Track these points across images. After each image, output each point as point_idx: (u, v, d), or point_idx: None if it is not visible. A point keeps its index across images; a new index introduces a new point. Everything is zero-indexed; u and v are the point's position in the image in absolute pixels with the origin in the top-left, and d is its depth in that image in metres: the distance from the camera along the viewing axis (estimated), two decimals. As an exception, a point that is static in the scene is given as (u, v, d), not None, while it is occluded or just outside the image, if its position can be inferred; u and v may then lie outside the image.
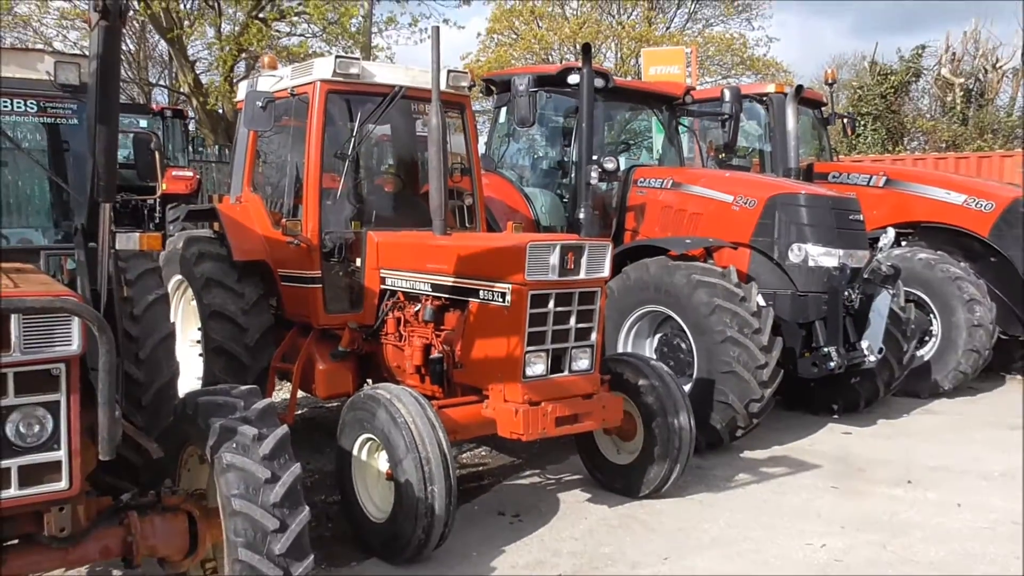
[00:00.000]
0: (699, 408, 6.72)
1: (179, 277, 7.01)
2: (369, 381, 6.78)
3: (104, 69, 3.53)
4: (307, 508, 3.64)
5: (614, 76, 9.29)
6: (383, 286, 6.27)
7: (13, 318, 3.00)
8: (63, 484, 3.21)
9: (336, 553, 5.19)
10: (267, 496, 3.53)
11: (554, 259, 5.11)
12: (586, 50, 8.06)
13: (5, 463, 3.09)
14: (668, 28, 31.67)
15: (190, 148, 16.99)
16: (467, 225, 7.11)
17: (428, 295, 5.87)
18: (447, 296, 5.73)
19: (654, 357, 7.42)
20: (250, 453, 3.59)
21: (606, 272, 5.37)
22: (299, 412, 7.90)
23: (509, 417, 5.14)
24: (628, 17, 32.04)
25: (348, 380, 6.49)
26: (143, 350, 5.27)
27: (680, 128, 10.00)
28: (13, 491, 3.13)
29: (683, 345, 7.19)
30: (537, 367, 5.22)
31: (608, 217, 8.99)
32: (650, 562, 5.00)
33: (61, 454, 3.19)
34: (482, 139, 9.53)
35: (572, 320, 5.32)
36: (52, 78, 4.48)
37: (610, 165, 8.26)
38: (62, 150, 5.11)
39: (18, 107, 4.49)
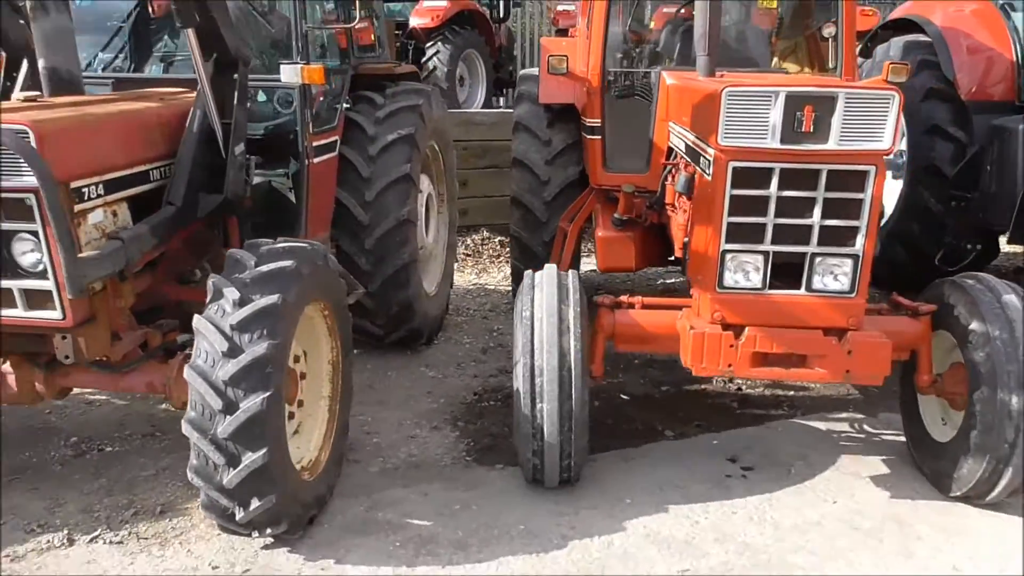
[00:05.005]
0: None
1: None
2: None
3: None
4: (269, 392, 3.08)
5: None
6: (670, 143, 4.93)
7: None
8: (57, 314, 3.23)
9: (502, 447, 4.48)
10: (221, 371, 3.08)
11: (775, 116, 3.30)
12: None
13: (7, 283, 3.22)
14: None
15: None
16: (827, 68, 5.13)
17: (683, 158, 4.42)
18: (690, 160, 4.23)
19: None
20: (223, 319, 3.15)
21: (885, 142, 3.30)
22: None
23: (686, 339, 3.66)
24: None
25: (629, 254, 5.32)
26: (370, 192, 5.10)
27: None
28: (18, 311, 3.26)
29: None
30: (742, 275, 3.56)
31: None
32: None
33: (50, 284, 3.19)
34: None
35: (816, 212, 3.45)
36: None
37: None
38: None
39: None
